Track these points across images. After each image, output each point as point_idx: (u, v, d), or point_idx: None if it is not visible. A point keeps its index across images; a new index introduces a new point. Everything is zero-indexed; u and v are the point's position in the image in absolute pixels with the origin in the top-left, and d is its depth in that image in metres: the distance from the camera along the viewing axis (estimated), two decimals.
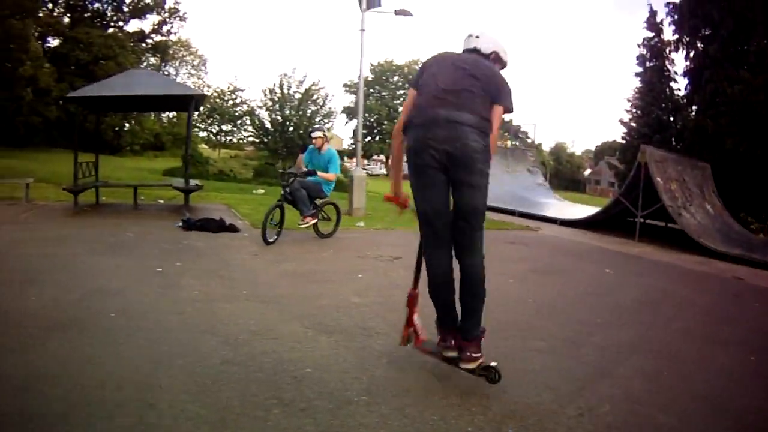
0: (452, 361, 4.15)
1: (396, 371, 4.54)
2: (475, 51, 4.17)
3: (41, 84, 44.94)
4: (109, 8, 61.35)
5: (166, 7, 63.05)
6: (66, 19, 57.12)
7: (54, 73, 48.50)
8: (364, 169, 60.35)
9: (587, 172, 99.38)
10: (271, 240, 10.40)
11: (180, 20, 65.35)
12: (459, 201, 3.93)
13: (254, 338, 5.16)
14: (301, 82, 45.98)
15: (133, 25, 62.79)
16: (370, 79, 64.88)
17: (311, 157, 11.54)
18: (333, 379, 4.29)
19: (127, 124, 56.66)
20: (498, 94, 3.98)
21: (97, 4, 60.43)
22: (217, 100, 57.41)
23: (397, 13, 19.04)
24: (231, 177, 38.85)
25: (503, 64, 4.31)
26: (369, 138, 69.15)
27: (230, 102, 59.10)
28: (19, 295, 6.12)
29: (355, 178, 17.13)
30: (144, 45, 62.42)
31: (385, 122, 67.22)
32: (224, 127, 58.52)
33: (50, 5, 56.12)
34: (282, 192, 11.02)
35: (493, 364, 4.03)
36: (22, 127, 42.30)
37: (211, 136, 60.01)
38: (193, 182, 16.61)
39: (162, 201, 18.15)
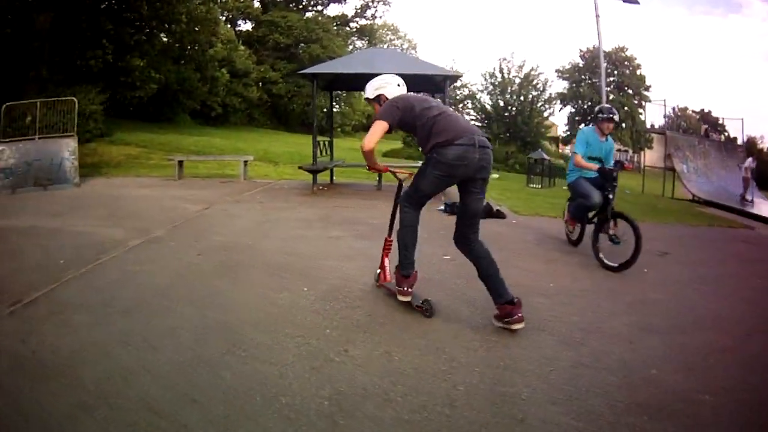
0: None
1: None
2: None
3: (238, 66, 47.05)
4: None
5: None
6: (256, 4, 59.07)
7: (251, 55, 50.24)
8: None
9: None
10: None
11: (384, 4, 66.87)
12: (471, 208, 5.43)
13: (588, 336, 5.17)
14: (520, 67, 44.60)
15: (333, 10, 64.18)
16: (581, 65, 62.38)
17: (591, 146, 8.70)
18: (678, 379, 4.35)
19: (336, 106, 57.94)
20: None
21: None
22: None
23: (624, 0, 19.40)
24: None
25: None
26: (582, 125, 66.44)
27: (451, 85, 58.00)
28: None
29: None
30: (348, 29, 63.66)
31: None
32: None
33: None
34: (602, 193, 8.33)
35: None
36: (218, 106, 44.25)
37: None
38: None
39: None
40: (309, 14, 60.75)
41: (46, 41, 21.51)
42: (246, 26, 58.07)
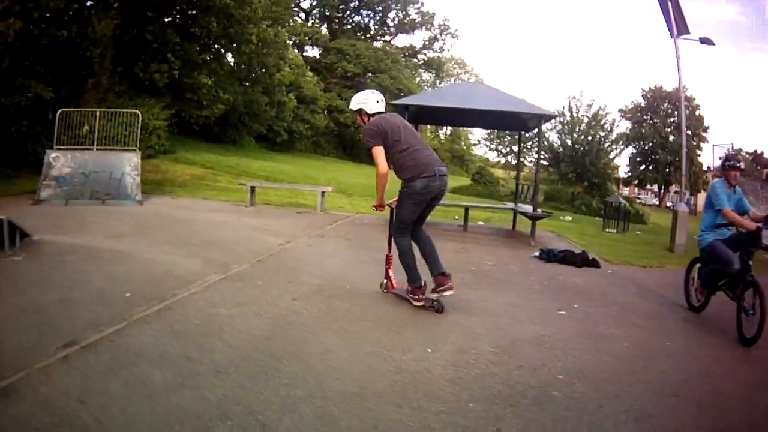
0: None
1: None
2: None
3: (306, 91, 46.86)
4: (372, 22, 63.98)
5: (435, 23, 64.72)
6: (324, 30, 59.45)
7: (319, 82, 50.15)
8: (637, 198, 58.73)
9: None
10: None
11: (452, 37, 67.63)
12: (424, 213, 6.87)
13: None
14: (589, 106, 43.66)
15: (401, 40, 65.01)
16: (642, 104, 61.60)
17: (728, 198, 7.69)
18: None
19: None
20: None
21: (357, 18, 63.34)
22: None
23: (702, 41, 19.00)
24: (523, 199, 36.63)
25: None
26: (643, 166, 65.47)
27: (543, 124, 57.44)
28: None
29: (680, 213, 16.86)
30: (416, 60, 63.76)
31: (660, 151, 62.89)
32: (514, 148, 57.50)
33: (302, 15, 59.42)
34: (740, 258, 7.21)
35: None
36: (284, 132, 44.64)
37: (501, 156, 59.47)
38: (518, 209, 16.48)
39: (482, 222, 18.61)
40: (377, 44, 61.05)
41: (107, 49, 20.70)
42: (313, 52, 58.54)
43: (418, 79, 62.09)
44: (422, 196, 6.54)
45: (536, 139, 49.31)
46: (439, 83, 69.24)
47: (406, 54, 62.36)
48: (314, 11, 61.20)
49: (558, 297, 8.15)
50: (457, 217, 18.38)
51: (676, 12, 18.46)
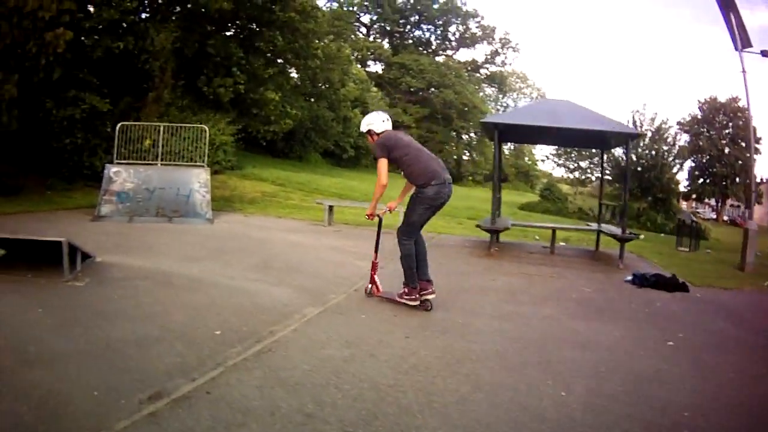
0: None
1: None
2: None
3: (371, 107, 45.24)
4: (433, 37, 63.60)
5: (496, 37, 63.86)
6: (386, 45, 59.22)
7: (383, 97, 49.54)
8: (696, 212, 56.67)
9: None
10: None
11: (513, 51, 68.37)
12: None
13: None
14: (652, 120, 42.22)
15: (463, 55, 64.42)
16: (699, 117, 59.95)
17: None
18: None
19: (466, 154, 59.29)
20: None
21: (418, 32, 62.96)
22: None
23: (763, 54, 18.31)
24: (590, 216, 35.78)
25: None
26: (701, 180, 63.50)
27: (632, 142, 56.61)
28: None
29: (750, 231, 16.04)
30: (478, 75, 63.04)
31: (716, 164, 60.88)
32: (582, 164, 56.49)
33: (363, 30, 59.11)
34: None
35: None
36: (351, 148, 44.41)
37: (569, 173, 58.60)
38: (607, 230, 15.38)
39: (563, 243, 17.27)
40: (439, 59, 60.52)
41: (167, 62, 20.25)
42: (375, 67, 58.06)
43: (481, 93, 61.63)
44: (434, 201, 7.01)
45: (604, 154, 48.81)
46: (502, 98, 69.67)
47: (469, 69, 61.87)
48: (375, 26, 61.10)
49: (662, 326, 7.87)
50: (537, 238, 17.98)
51: (739, 26, 17.88)
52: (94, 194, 16.34)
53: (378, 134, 7.20)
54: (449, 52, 63.84)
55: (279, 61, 27.39)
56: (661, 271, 12.36)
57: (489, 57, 64.93)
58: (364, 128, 7.39)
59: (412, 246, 7.13)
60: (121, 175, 14.65)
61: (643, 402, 4.85)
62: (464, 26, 63.00)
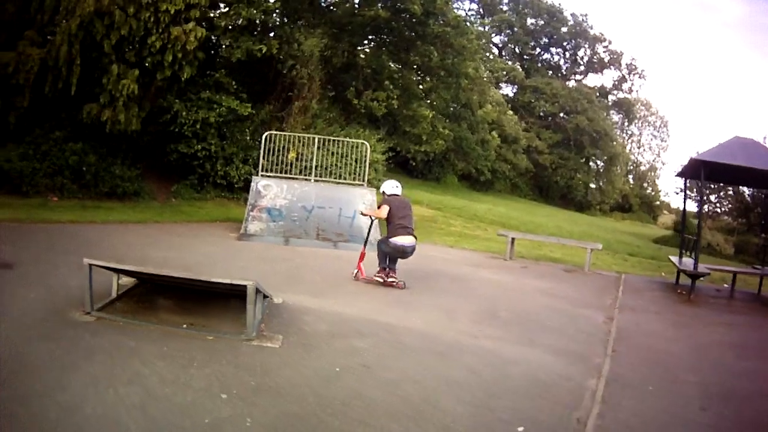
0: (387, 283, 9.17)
1: None
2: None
3: (508, 130, 45.06)
4: (562, 60, 62.19)
5: (623, 63, 61.86)
6: (518, 67, 57.58)
7: (519, 122, 48.42)
8: None
9: None
10: None
11: (639, 77, 64.43)
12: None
13: None
14: None
15: (591, 80, 62.23)
16: None
17: None
18: None
19: (593, 183, 57.09)
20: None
21: (547, 55, 61.56)
22: None
23: None
24: (717, 252, 34.87)
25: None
26: None
27: None
28: None
29: None
30: (605, 101, 61.08)
31: None
32: (711, 197, 54.06)
33: (495, 51, 57.76)
34: None
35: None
36: (488, 171, 42.43)
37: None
38: None
39: (726, 285, 15.19)
40: (569, 83, 58.30)
41: (315, 70, 18.70)
42: (507, 89, 56.38)
43: (608, 120, 59.65)
44: (393, 250, 9.23)
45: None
46: (628, 125, 68.52)
47: (597, 94, 59.43)
48: (506, 47, 59.84)
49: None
50: (663, 274, 15.94)
51: None
52: (228, 206, 16.66)
53: (388, 195, 9.77)
54: (578, 77, 61.82)
55: (430, 78, 25.67)
56: None
57: (616, 82, 63.10)
58: (381, 191, 10.24)
59: (386, 248, 9.34)
60: (271, 189, 13.53)
61: None
62: (592, 50, 61.32)
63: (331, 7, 20.94)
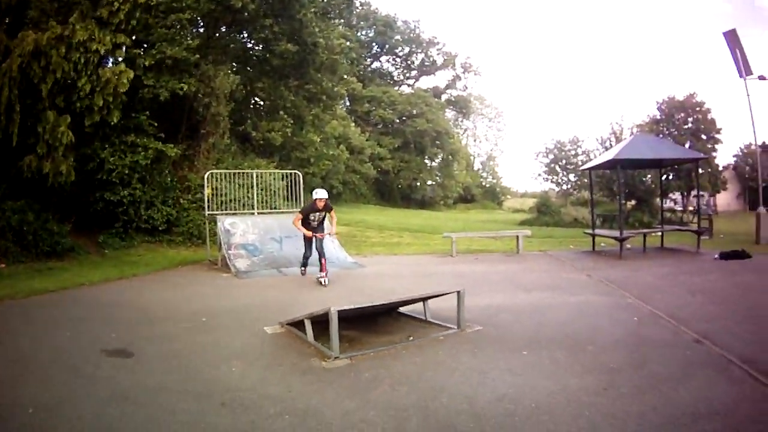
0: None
1: None
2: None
3: (354, 142, 46.84)
4: (392, 67, 64.58)
5: (457, 63, 65.19)
6: (354, 80, 58.55)
7: (363, 132, 50.34)
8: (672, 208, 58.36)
9: None
10: None
11: (474, 75, 67.75)
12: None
13: None
14: (630, 129, 46.81)
15: (424, 83, 65.34)
16: (658, 117, 62.01)
17: None
18: None
19: (435, 180, 60.38)
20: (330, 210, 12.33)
21: (377, 64, 63.51)
22: (561, 151, 57.03)
23: (760, 78, 21.60)
24: (584, 224, 37.29)
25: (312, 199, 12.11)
26: (664, 176, 65.70)
27: (572, 152, 57.90)
28: None
29: (762, 214, 20.28)
30: (439, 100, 63.35)
31: None
32: (571, 177, 57.80)
33: None
34: None
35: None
36: (339, 183, 44.61)
37: (558, 186, 59.50)
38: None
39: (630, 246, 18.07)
40: (404, 88, 61.59)
41: (225, 106, 19.71)
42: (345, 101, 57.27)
43: (446, 119, 62.80)
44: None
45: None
46: (463, 121, 72.77)
47: (432, 95, 61.74)
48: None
49: None
50: (603, 245, 18.61)
51: (743, 58, 21.24)
52: (161, 251, 16.68)
53: (314, 200, 11.73)
54: (410, 81, 64.76)
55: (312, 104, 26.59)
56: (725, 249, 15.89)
57: (450, 82, 66.22)
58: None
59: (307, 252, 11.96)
60: (238, 227, 14.09)
61: None
62: (425, 54, 64.09)
63: (240, 43, 21.24)
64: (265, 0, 17.97)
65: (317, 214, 11.87)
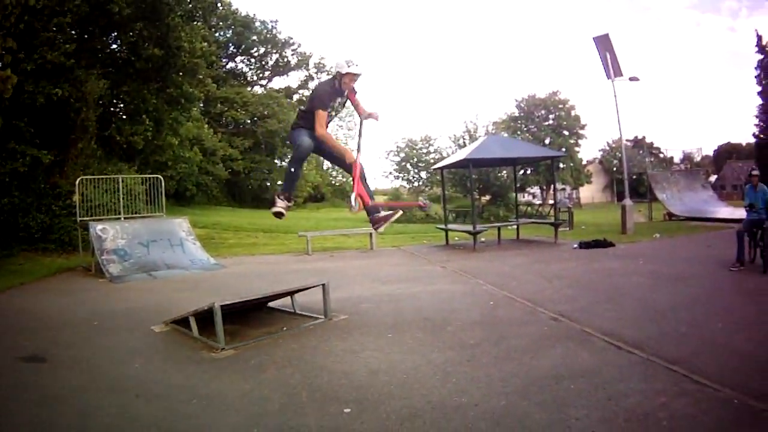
0: None
1: None
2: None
3: (207, 144, 46.68)
4: (246, 67, 64.58)
5: (311, 63, 65.91)
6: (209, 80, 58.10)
7: (216, 134, 50.11)
8: (531, 202, 61.18)
9: (713, 178, 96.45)
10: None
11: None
12: None
13: None
14: (485, 127, 49.28)
15: (277, 83, 65.76)
16: (517, 114, 65.46)
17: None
18: None
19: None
20: (310, 102, 7.22)
21: (231, 64, 63.22)
22: (412, 150, 58.56)
23: (631, 79, 23.82)
24: (437, 219, 38.84)
25: (339, 75, 6.91)
26: (523, 171, 69.42)
27: (424, 150, 59.70)
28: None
29: (627, 207, 22.25)
30: (290, 100, 62.94)
31: None
32: (423, 174, 59.42)
33: None
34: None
35: None
36: (193, 186, 44.39)
37: (409, 183, 60.77)
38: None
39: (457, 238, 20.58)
40: (257, 88, 61.95)
41: (94, 112, 19.48)
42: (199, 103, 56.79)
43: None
44: None
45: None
46: None
47: (284, 95, 61.61)
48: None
49: (626, 259, 13.86)
50: (458, 239, 20.39)
51: (613, 61, 22.98)
52: (38, 259, 16.29)
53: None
54: (263, 82, 65.02)
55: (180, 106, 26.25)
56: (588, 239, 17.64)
57: (303, 82, 66.34)
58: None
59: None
60: (108, 233, 14.41)
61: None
62: (280, 55, 64.32)
63: (108, 48, 21.70)
64: (137, 4, 18.44)
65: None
